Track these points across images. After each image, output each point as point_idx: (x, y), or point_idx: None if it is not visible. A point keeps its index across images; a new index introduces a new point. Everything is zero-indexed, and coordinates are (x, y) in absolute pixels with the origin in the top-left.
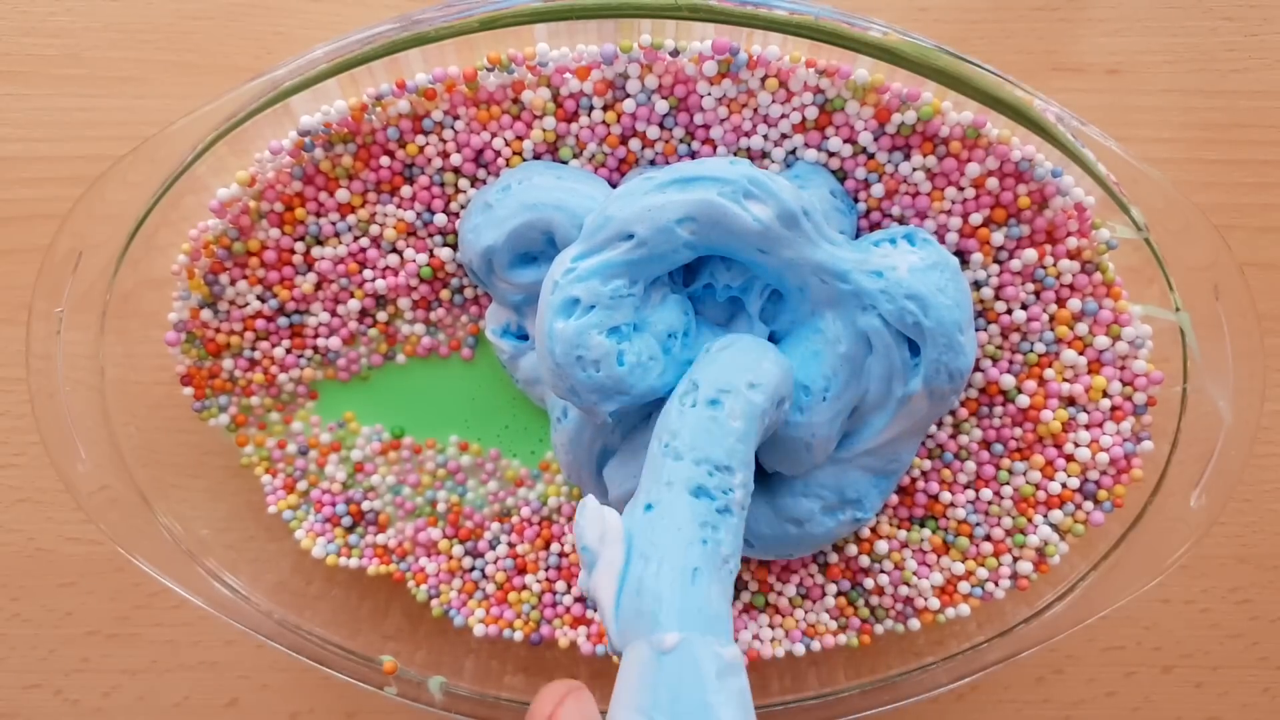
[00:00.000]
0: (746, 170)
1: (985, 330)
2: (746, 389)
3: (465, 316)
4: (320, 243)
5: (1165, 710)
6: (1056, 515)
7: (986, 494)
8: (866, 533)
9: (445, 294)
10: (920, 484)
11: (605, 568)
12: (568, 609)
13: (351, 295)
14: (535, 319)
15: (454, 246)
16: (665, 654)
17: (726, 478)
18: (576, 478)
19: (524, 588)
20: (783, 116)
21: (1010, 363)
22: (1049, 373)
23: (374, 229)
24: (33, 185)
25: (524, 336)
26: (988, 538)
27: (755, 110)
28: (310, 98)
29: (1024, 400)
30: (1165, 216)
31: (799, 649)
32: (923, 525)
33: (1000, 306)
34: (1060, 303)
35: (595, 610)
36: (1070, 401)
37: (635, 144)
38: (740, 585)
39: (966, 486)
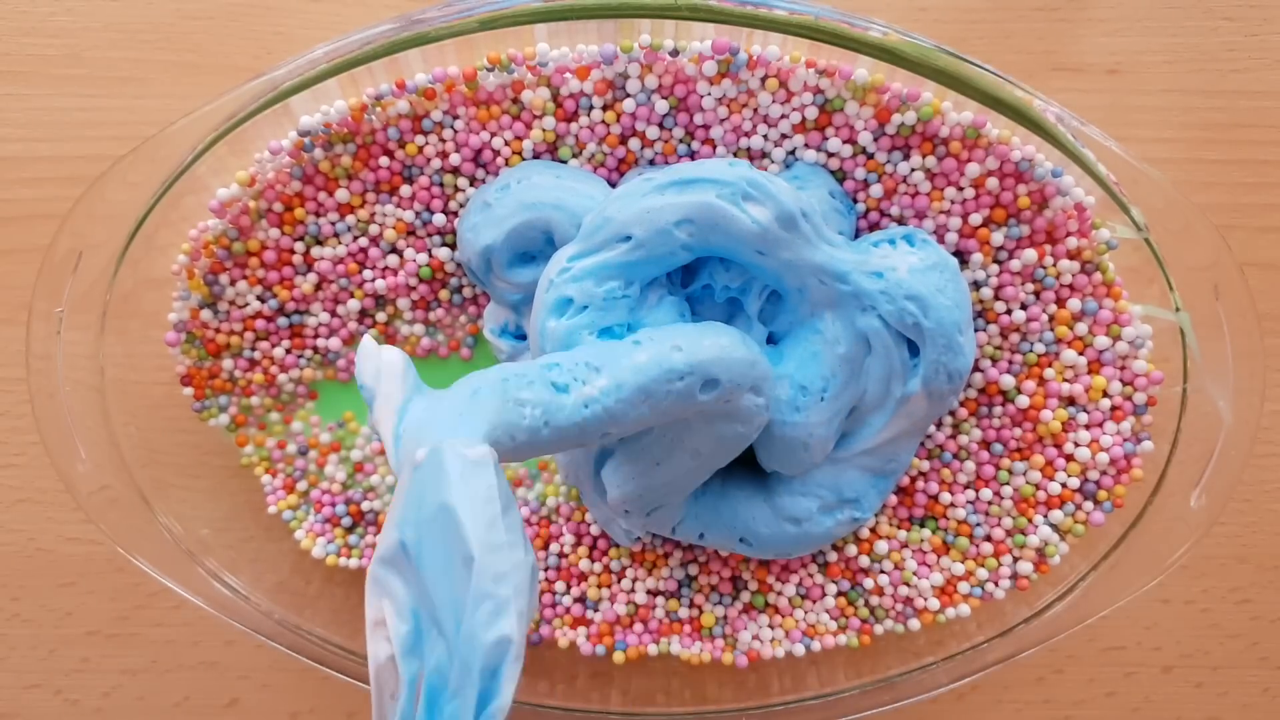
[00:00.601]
0: (745, 172)
1: (985, 330)
2: (670, 349)
3: (464, 316)
4: (320, 243)
5: (1165, 710)
6: (1056, 515)
7: (986, 494)
8: (866, 533)
9: (444, 294)
10: (920, 484)
11: (383, 402)
12: (567, 609)
13: (351, 295)
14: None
15: (453, 246)
16: (417, 467)
17: (590, 374)
18: (574, 478)
19: None
20: (783, 116)
21: (1010, 363)
22: (1049, 373)
23: (373, 229)
24: (33, 185)
25: (522, 336)
26: (988, 538)
27: (755, 110)
28: (310, 98)
29: (1024, 400)
30: (1165, 216)
31: (799, 649)
32: (922, 525)
33: (1000, 306)
34: (1060, 303)
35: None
36: (1070, 401)
37: (635, 144)
38: (740, 585)
39: (966, 487)
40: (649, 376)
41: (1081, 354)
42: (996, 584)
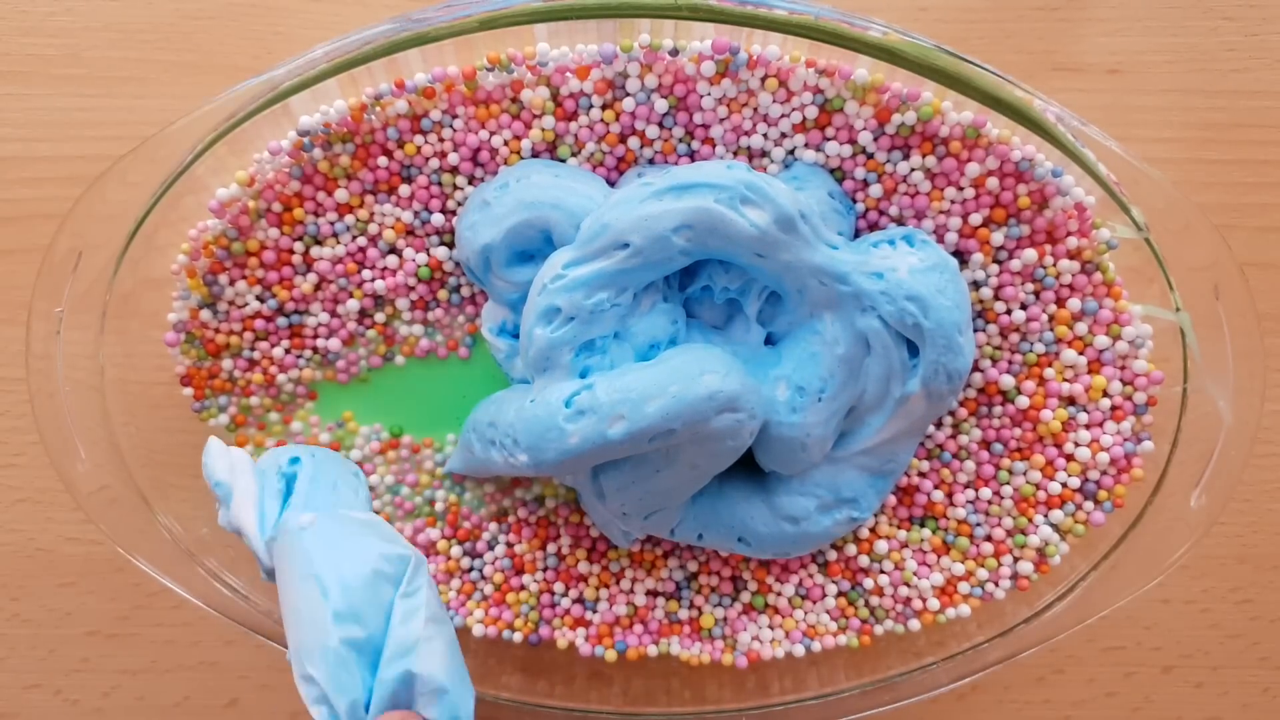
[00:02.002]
0: (742, 175)
1: (985, 330)
2: (611, 420)
3: (462, 316)
4: (319, 243)
5: (1165, 710)
6: (1057, 515)
7: (986, 494)
8: (866, 533)
9: (443, 294)
10: (920, 484)
11: (242, 497)
12: (566, 610)
13: (350, 295)
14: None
15: (451, 246)
16: (304, 528)
17: (516, 450)
18: (573, 480)
19: (522, 588)
20: (783, 116)
21: (1010, 363)
22: (1049, 372)
23: (372, 229)
24: (33, 185)
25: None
26: (988, 538)
27: (755, 110)
28: (310, 98)
29: (1024, 400)
30: (1165, 216)
31: (799, 650)
32: (922, 525)
33: (1000, 307)
34: (1060, 303)
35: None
36: (1070, 401)
37: (634, 143)
38: (740, 586)
39: (966, 486)
40: (577, 454)
41: (1081, 354)
42: (997, 584)
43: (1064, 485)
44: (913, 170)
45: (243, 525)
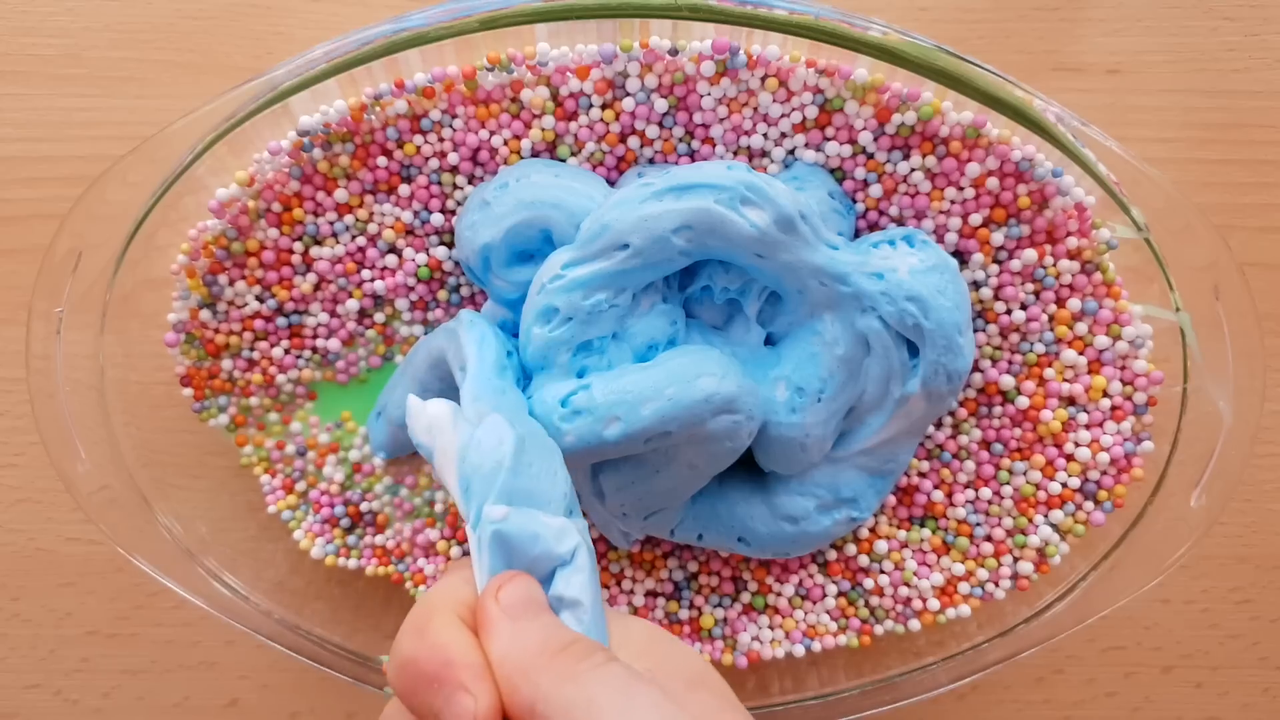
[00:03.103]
0: (742, 176)
1: (985, 330)
2: (606, 422)
3: None
4: (318, 243)
5: (1165, 710)
6: (1057, 515)
7: (986, 494)
8: (866, 533)
9: (443, 294)
10: (920, 484)
11: (443, 456)
12: None
13: (350, 295)
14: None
15: (451, 246)
16: (496, 522)
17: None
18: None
19: None
20: (783, 116)
21: (1010, 363)
22: (1049, 372)
23: (371, 228)
24: (33, 185)
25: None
26: (988, 538)
27: (755, 110)
28: (309, 98)
29: (1024, 400)
30: (1165, 216)
31: (799, 650)
32: (922, 525)
33: (1000, 307)
34: (1060, 303)
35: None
36: (1070, 401)
37: (634, 142)
38: (740, 586)
39: (966, 486)
40: (571, 453)
41: (1081, 354)
42: (997, 584)
43: (1064, 485)
44: (913, 170)
45: (447, 482)
